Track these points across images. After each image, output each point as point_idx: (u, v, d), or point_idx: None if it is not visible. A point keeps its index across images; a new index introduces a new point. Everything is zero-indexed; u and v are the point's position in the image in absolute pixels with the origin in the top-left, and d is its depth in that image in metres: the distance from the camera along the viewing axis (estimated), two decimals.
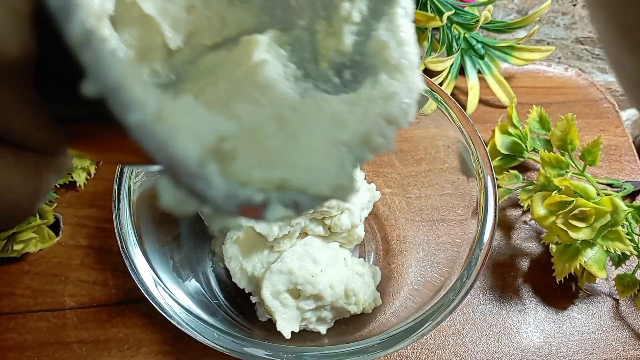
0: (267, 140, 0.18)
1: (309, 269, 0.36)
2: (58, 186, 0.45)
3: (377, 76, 0.21)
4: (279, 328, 0.35)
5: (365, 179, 0.43)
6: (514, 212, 0.48)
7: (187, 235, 0.40)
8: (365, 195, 0.41)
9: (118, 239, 0.32)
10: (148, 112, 0.13)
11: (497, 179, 0.36)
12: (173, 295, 0.31)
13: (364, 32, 0.22)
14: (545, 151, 0.44)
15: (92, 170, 0.46)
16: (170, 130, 0.13)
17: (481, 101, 0.54)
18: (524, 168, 0.50)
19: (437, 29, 0.52)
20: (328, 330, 0.38)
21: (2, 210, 0.15)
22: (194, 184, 0.14)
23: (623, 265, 0.42)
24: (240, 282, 0.38)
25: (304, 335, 0.37)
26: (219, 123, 0.16)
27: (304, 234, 0.40)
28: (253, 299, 0.38)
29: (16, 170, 0.14)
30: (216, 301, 0.38)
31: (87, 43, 0.11)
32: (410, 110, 0.21)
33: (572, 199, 0.39)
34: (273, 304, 0.36)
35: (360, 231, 0.41)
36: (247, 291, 0.38)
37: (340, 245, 0.41)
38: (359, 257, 0.43)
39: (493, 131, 0.48)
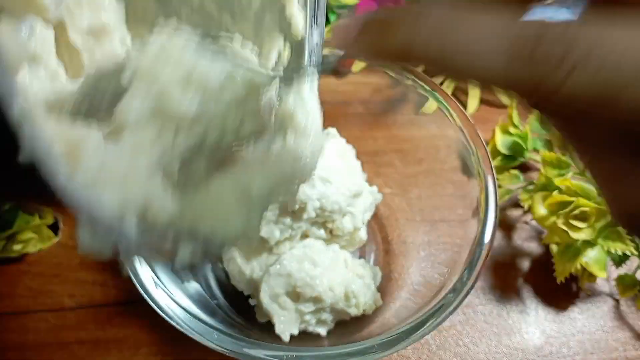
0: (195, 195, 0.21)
1: (308, 271, 0.36)
2: None
3: (286, 139, 0.24)
4: (277, 331, 0.35)
5: (366, 181, 0.42)
6: (515, 212, 0.48)
7: None
8: (367, 197, 0.41)
9: None
10: (84, 177, 0.16)
11: (497, 179, 0.36)
12: (173, 296, 0.31)
13: (277, 99, 0.26)
14: (546, 151, 0.44)
15: None
16: (97, 191, 0.16)
17: (482, 101, 0.53)
18: (524, 168, 0.49)
19: None
20: (328, 331, 0.38)
21: None
22: (110, 234, 0.17)
23: (624, 265, 0.42)
24: (239, 285, 0.38)
25: (304, 337, 0.37)
26: (150, 186, 0.19)
27: (304, 236, 0.39)
28: (252, 302, 0.38)
29: None
30: (216, 302, 0.38)
31: (23, 122, 0.14)
32: (312, 168, 0.24)
33: (572, 199, 0.39)
34: (272, 307, 0.36)
35: (363, 234, 0.41)
36: (245, 293, 0.38)
37: (340, 247, 0.40)
38: (360, 257, 0.43)
39: (494, 131, 0.48)
